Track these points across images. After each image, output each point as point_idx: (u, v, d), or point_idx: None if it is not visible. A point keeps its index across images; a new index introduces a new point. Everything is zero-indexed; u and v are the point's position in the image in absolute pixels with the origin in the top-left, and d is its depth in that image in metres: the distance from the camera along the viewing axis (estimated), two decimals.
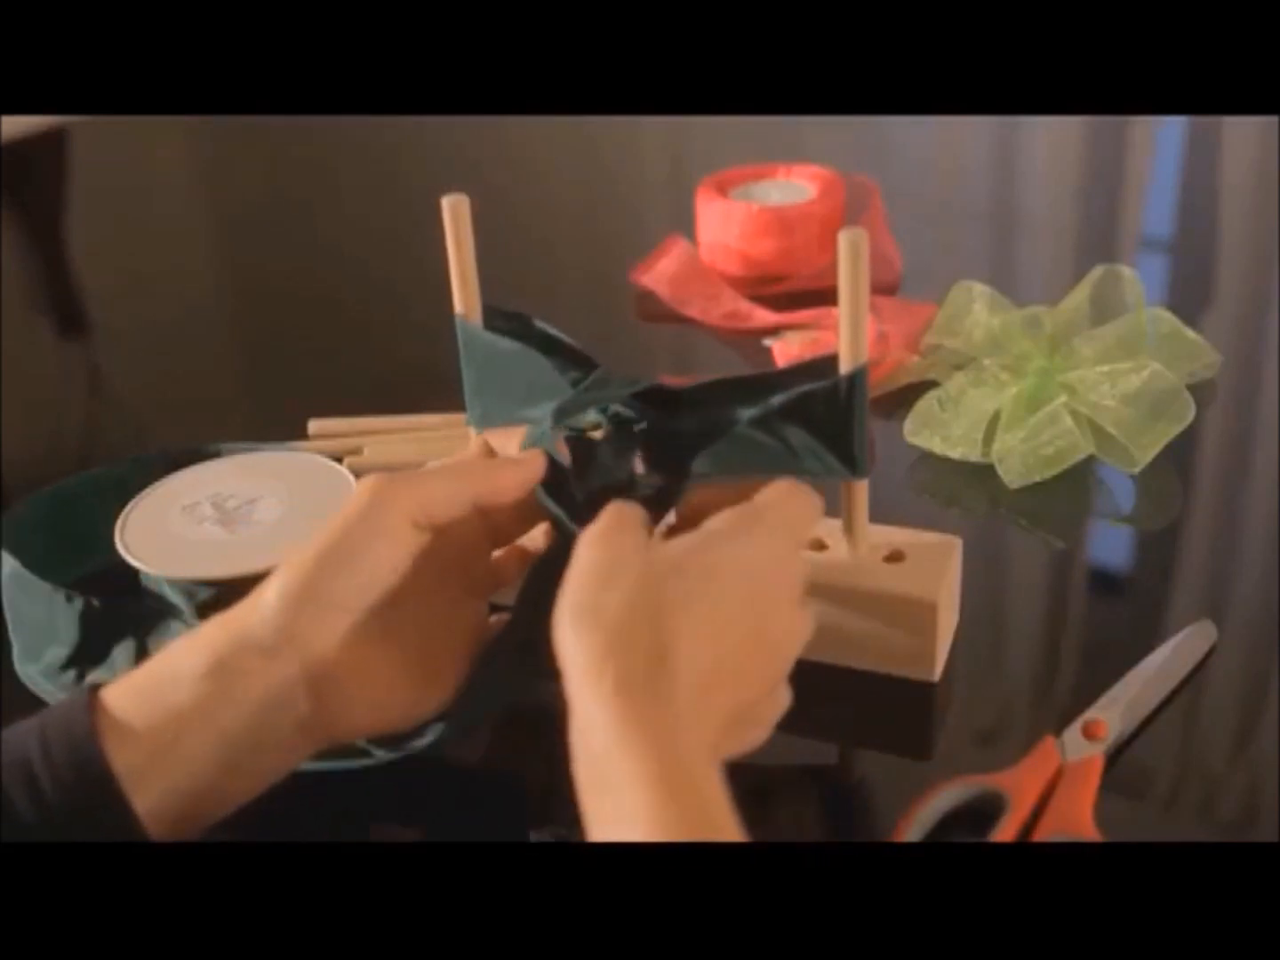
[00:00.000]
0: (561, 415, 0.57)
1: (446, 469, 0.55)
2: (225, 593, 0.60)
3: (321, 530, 0.50)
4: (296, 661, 0.48)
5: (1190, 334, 0.79)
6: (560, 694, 0.43)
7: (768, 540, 0.49)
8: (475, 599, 0.56)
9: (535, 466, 0.55)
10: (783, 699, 0.49)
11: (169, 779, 0.46)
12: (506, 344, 0.62)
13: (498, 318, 0.64)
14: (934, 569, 0.60)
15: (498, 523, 0.56)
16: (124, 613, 0.61)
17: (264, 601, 0.49)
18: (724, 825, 0.40)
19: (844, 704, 0.60)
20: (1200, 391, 0.76)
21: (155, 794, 0.46)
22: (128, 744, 0.46)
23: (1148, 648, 0.61)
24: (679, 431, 0.57)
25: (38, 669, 0.61)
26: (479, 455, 0.59)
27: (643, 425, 0.56)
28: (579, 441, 0.57)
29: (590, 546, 0.46)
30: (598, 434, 0.58)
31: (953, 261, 1.00)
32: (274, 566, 0.51)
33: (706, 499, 0.53)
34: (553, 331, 0.62)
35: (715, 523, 0.49)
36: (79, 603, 0.60)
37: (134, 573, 0.63)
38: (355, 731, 0.52)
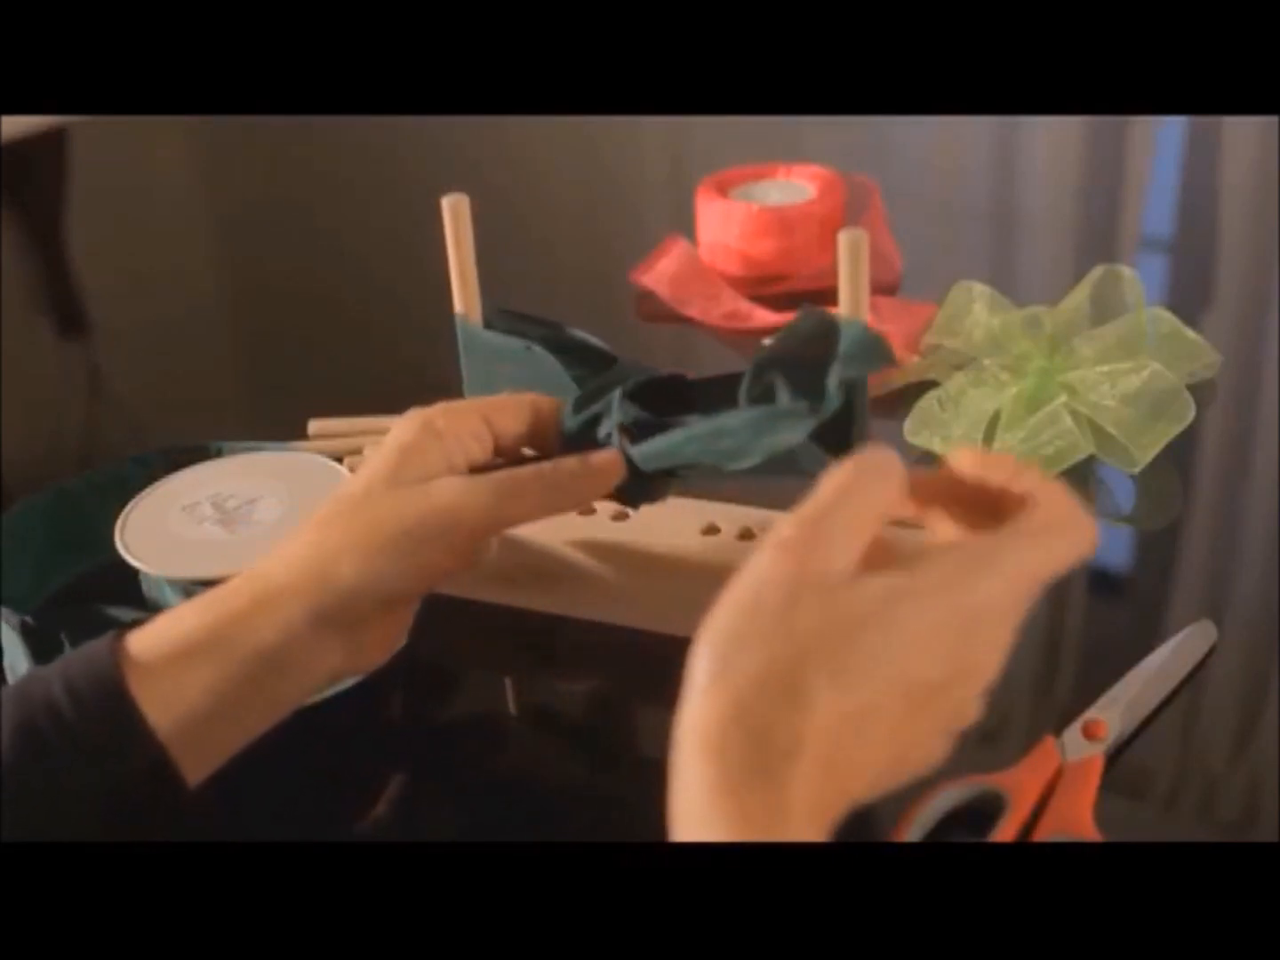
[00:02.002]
0: (581, 405, 0.57)
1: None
2: None
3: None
4: (316, 596, 0.49)
5: (1190, 334, 0.79)
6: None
7: (1000, 587, 0.40)
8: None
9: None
10: (937, 752, 0.42)
11: (187, 702, 0.47)
12: (508, 342, 0.62)
13: (508, 318, 0.64)
14: None
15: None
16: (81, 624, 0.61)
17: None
18: None
19: None
20: (1200, 391, 0.76)
21: (174, 717, 0.46)
22: (148, 673, 0.47)
23: (1148, 648, 0.61)
24: (679, 425, 0.57)
25: None
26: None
27: (646, 417, 0.56)
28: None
29: (775, 558, 0.40)
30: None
31: (953, 261, 1.00)
32: None
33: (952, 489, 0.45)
34: (570, 332, 0.62)
35: (942, 556, 0.40)
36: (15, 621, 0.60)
37: (134, 573, 0.63)
38: (377, 657, 0.53)
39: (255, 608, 0.49)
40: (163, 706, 0.46)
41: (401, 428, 0.54)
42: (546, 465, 0.55)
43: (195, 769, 0.47)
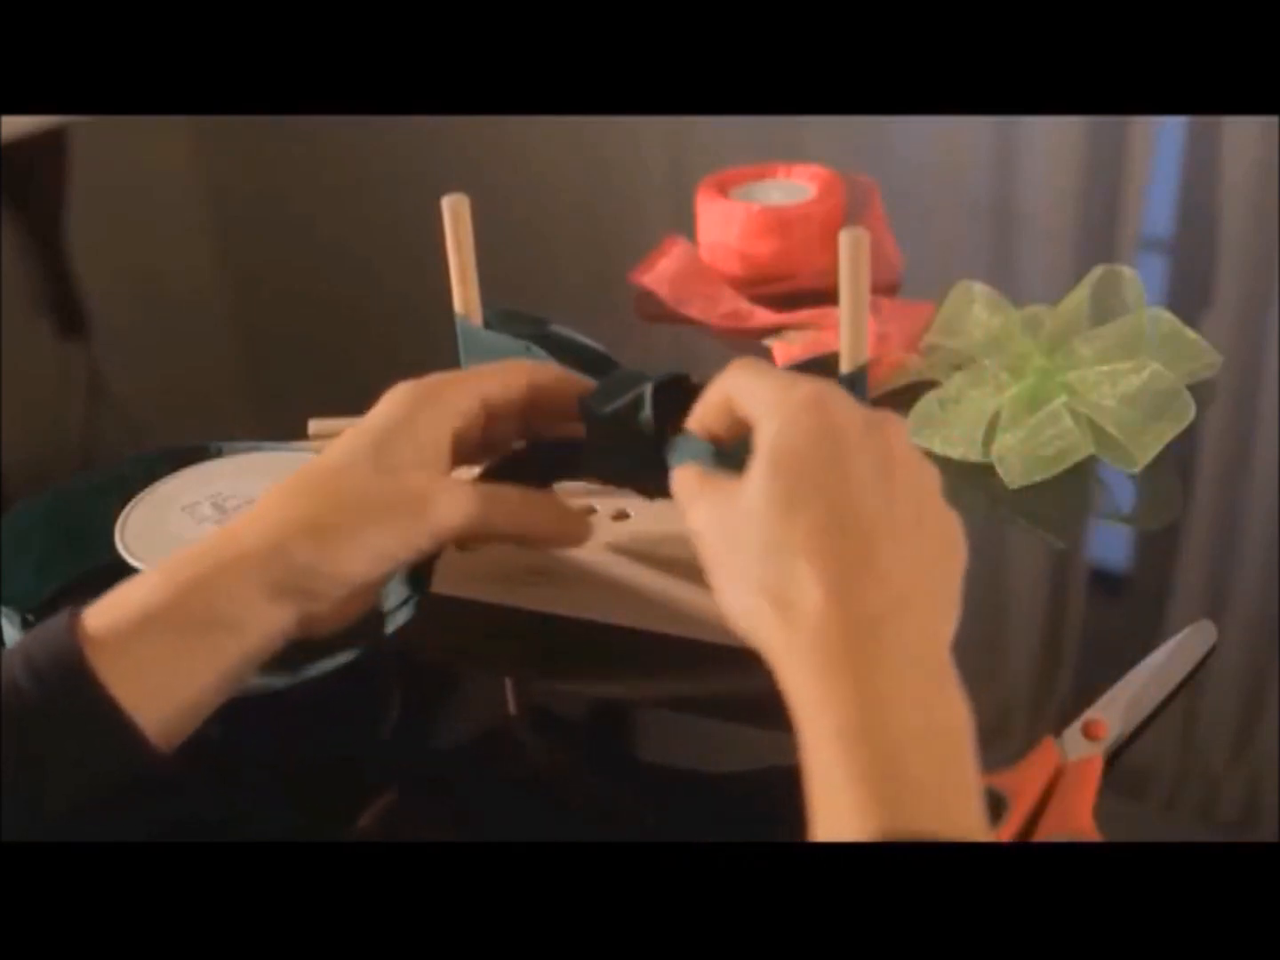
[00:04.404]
0: (608, 394, 0.57)
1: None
2: None
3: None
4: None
5: (1190, 334, 0.79)
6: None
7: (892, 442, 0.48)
8: None
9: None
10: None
11: (149, 672, 0.47)
12: (508, 343, 0.62)
13: (508, 318, 0.64)
14: None
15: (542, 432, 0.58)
16: None
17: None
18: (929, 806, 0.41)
19: None
20: (1200, 391, 0.76)
21: (137, 687, 0.46)
22: (107, 646, 0.46)
23: (1148, 648, 0.61)
24: (676, 427, 0.57)
25: None
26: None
27: (648, 414, 0.56)
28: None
29: (699, 522, 0.49)
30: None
31: (953, 261, 1.00)
32: None
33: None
34: (569, 334, 0.62)
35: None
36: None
37: (134, 573, 0.62)
38: (335, 625, 0.53)
39: (212, 577, 0.49)
40: (125, 678, 0.46)
41: (387, 402, 0.54)
42: (530, 491, 0.56)
43: (165, 737, 0.47)
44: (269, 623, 0.50)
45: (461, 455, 0.55)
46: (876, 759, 0.41)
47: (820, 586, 0.44)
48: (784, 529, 0.45)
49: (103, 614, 0.48)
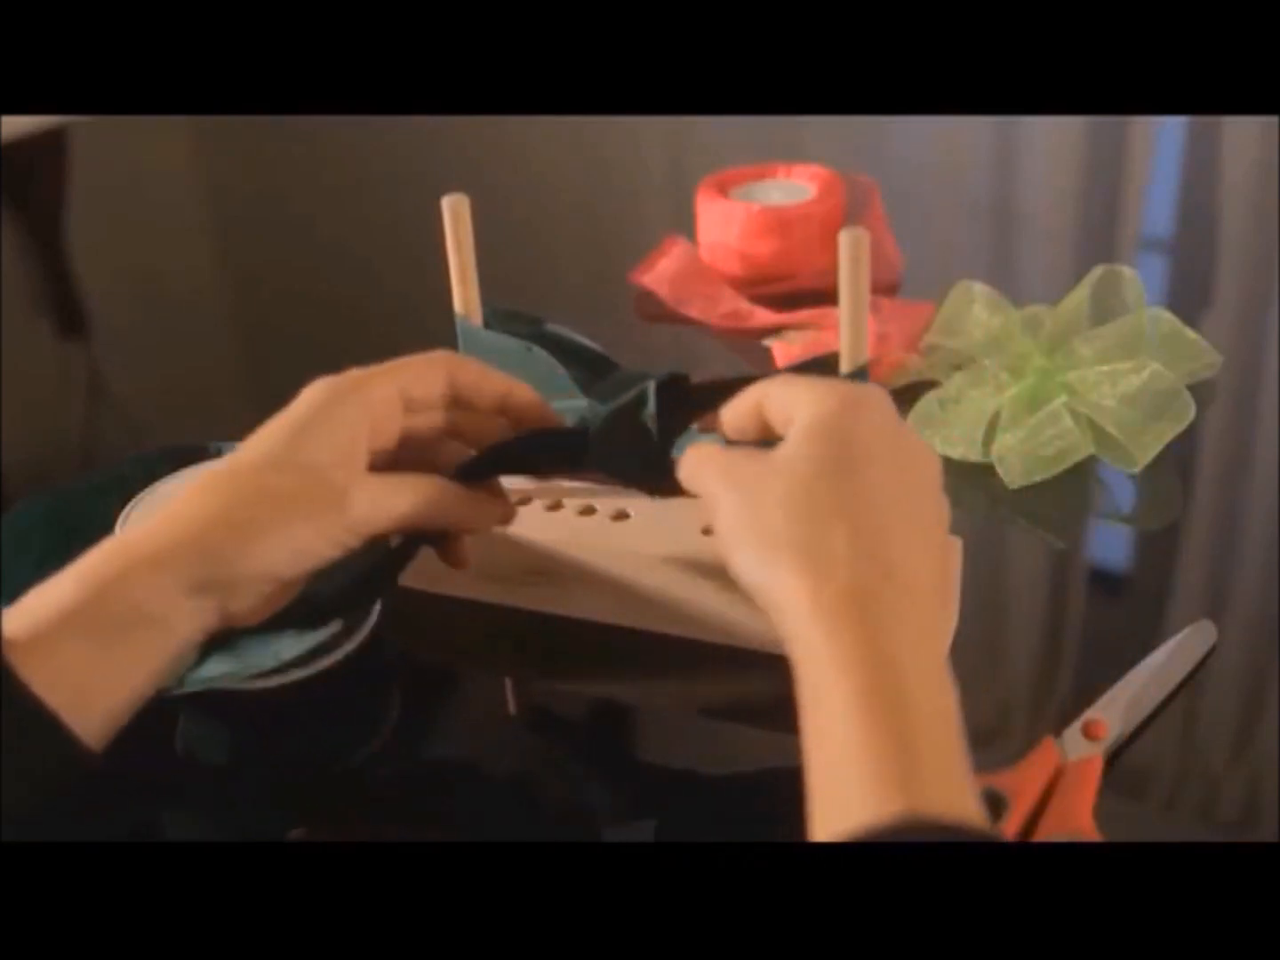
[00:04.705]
0: (608, 394, 0.57)
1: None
2: None
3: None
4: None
5: (1190, 334, 0.79)
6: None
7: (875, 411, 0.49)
8: None
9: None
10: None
11: (71, 672, 0.46)
12: (508, 343, 0.62)
13: (510, 320, 0.64)
14: None
15: (464, 426, 0.57)
16: None
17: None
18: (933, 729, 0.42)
19: None
20: (1200, 391, 0.76)
21: (61, 688, 0.46)
22: (28, 648, 0.46)
23: (1148, 648, 0.61)
24: (678, 425, 0.57)
25: None
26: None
27: (652, 411, 0.56)
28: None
29: (721, 486, 0.49)
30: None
31: (953, 261, 1.00)
32: None
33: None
34: (569, 335, 0.62)
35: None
36: None
37: None
38: (255, 619, 0.53)
39: (129, 574, 0.48)
40: (48, 679, 0.46)
41: (304, 397, 0.54)
42: (445, 482, 0.56)
43: (94, 736, 0.47)
44: (189, 618, 0.49)
45: (380, 448, 0.55)
46: (892, 731, 0.41)
47: (854, 549, 0.45)
48: (822, 494, 0.46)
49: (21, 615, 0.48)
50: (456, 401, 0.57)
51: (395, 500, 0.53)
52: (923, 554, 0.47)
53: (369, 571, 0.59)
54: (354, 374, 0.55)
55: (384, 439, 0.55)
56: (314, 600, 0.57)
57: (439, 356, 0.56)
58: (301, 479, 0.51)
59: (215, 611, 0.50)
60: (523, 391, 0.57)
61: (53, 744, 0.45)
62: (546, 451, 0.58)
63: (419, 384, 0.55)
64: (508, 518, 0.59)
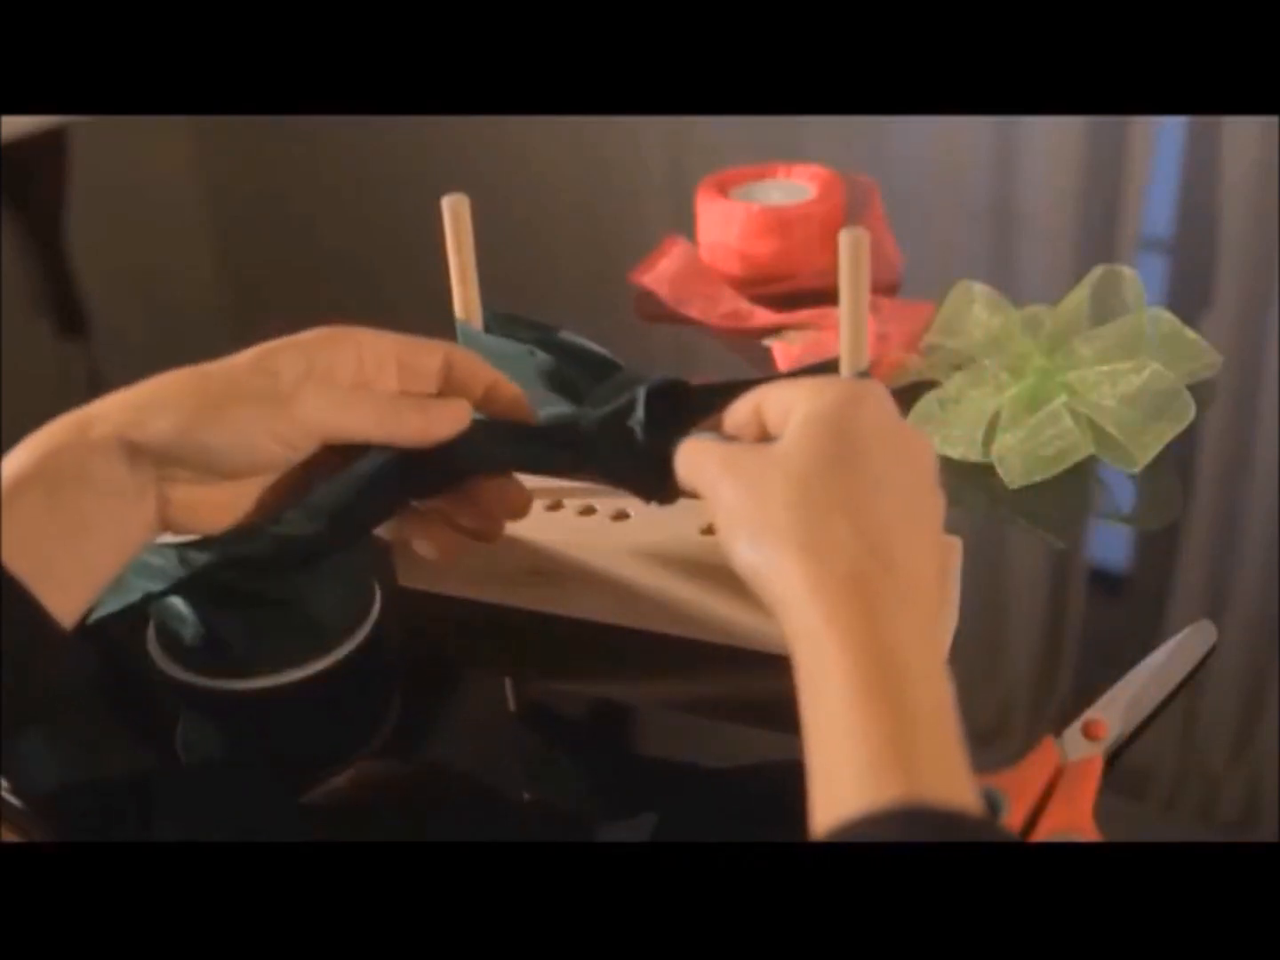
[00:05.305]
0: (603, 399, 0.57)
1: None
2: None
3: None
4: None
5: (1190, 334, 0.79)
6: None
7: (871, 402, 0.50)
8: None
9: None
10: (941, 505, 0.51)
11: (27, 538, 0.47)
12: (509, 346, 0.62)
13: (513, 324, 0.64)
14: None
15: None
16: None
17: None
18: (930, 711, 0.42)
19: None
20: (1200, 391, 0.76)
21: (20, 554, 0.46)
22: None
23: (1148, 648, 0.61)
24: (678, 428, 0.57)
25: None
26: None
27: (640, 417, 0.56)
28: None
29: (719, 479, 0.49)
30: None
31: (953, 261, 1.00)
32: None
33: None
34: (572, 339, 0.62)
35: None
36: None
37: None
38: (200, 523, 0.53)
39: (75, 440, 0.49)
40: (10, 545, 0.46)
41: (312, 332, 0.55)
42: (400, 396, 0.56)
43: (58, 609, 0.47)
44: (129, 483, 0.50)
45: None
46: (890, 719, 0.41)
47: (854, 539, 0.45)
48: (822, 485, 0.47)
49: None
50: (449, 385, 0.57)
51: (352, 406, 0.53)
52: (921, 545, 0.47)
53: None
54: (356, 327, 0.55)
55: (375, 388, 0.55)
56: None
57: (437, 342, 0.57)
58: (256, 377, 0.52)
59: (153, 486, 0.51)
60: (509, 387, 0.58)
61: (21, 611, 0.46)
62: (554, 454, 0.59)
63: (417, 352, 0.56)
64: (463, 423, 0.57)
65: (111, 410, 0.50)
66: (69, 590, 0.48)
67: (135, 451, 0.50)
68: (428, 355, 0.56)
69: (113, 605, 0.60)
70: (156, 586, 0.59)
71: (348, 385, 0.54)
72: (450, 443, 0.57)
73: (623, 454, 0.57)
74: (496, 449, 0.58)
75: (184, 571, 0.58)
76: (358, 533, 0.59)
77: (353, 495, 0.57)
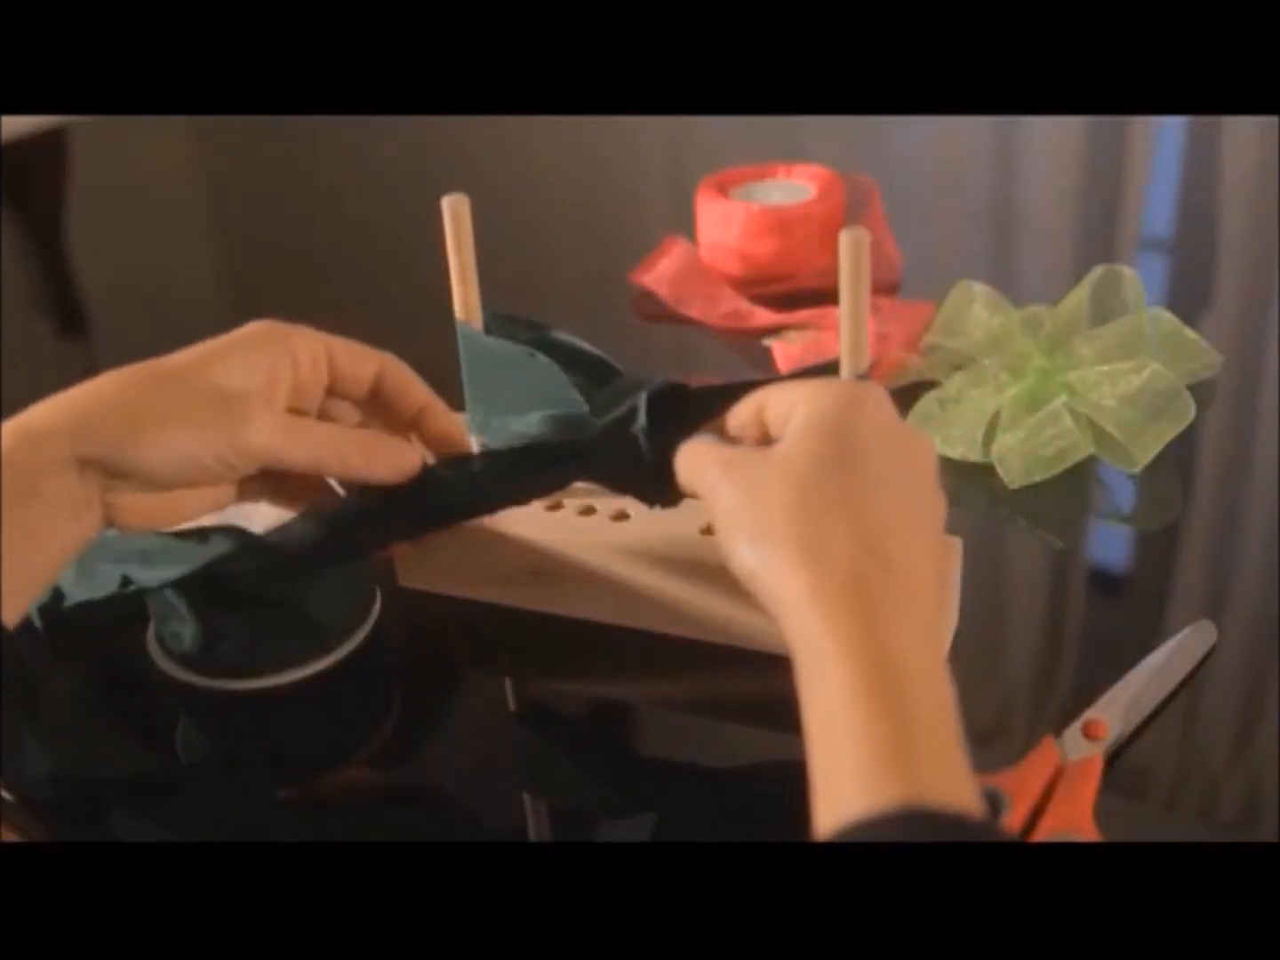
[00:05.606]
0: (605, 406, 0.58)
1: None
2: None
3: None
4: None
5: (1190, 334, 0.79)
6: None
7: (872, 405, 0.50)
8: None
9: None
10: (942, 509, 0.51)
11: None
12: (510, 348, 0.62)
13: (513, 325, 0.64)
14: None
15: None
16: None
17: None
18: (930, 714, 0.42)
19: None
20: (1200, 391, 0.76)
21: None
22: None
23: (1148, 648, 0.61)
24: (679, 431, 0.57)
25: None
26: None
27: (643, 424, 0.56)
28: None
29: (719, 481, 0.49)
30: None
31: (953, 261, 1.00)
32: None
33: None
34: (572, 340, 0.62)
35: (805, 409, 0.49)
36: None
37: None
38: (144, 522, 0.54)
39: (19, 448, 0.49)
40: None
41: (248, 328, 0.55)
42: (352, 430, 0.56)
43: (4, 610, 0.48)
44: (77, 496, 0.50)
45: (300, 406, 0.55)
46: (890, 721, 0.41)
47: (853, 541, 0.45)
48: (821, 487, 0.47)
49: None
50: (379, 395, 0.57)
51: (296, 437, 0.54)
52: (921, 546, 0.47)
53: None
54: (291, 325, 0.55)
55: (304, 397, 0.55)
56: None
57: (376, 352, 0.58)
58: (206, 392, 0.52)
59: (99, 495, 0.51)
60: (444, 413, 0.58)
61: None
62: (560, 458, 0.59)
63: (350, 358, 0.56)
64: (413, 468, 0.58)
65: (59, 422, 0.50)
66: (13, 594, 0.49)
67: (84, 465, 0.50)
68: (360, 363, 0.56)
69: (84, 594, 0.60)
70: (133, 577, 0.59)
71: (285, 391, 0.54)
72: (451, 481, 0.57)
73: (626, 462, 0.57)
74: (500, 484, 0.58)
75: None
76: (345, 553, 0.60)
77: (340, 541, 0.58)
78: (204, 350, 0.53)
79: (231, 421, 0.52)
